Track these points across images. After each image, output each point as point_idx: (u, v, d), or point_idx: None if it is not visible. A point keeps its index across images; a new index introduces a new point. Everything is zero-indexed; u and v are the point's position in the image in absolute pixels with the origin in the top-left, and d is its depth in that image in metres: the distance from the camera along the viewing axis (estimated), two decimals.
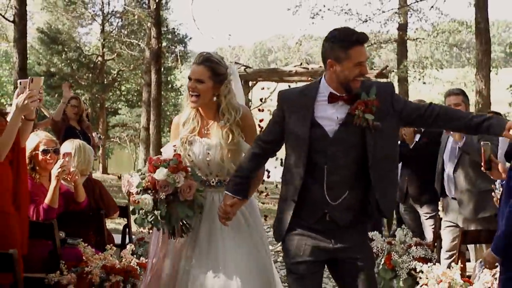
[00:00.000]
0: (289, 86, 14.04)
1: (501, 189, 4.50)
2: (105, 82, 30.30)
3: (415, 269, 5.07)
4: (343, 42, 3.47)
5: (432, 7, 21.48)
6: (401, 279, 5.49)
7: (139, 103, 30.02)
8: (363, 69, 3.52)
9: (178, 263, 4.12)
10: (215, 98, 4.15)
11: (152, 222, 3.86)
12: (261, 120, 12.80)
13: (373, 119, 3.49)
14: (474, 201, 5.54)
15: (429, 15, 23.96)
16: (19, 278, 3.76)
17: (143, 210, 3.82)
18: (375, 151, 3.56)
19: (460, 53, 33.40)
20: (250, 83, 13.46)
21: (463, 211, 5.67)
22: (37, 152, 4.88)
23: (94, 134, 8.68)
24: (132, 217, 4.16)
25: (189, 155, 4.12)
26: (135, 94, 32.13)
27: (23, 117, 4.19)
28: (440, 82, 28.73)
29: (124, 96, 32.89)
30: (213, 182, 4.15)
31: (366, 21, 23.93)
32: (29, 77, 4.20)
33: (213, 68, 4.05)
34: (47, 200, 4.77)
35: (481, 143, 4.32)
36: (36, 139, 4.91)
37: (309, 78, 13.35)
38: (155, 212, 3.81)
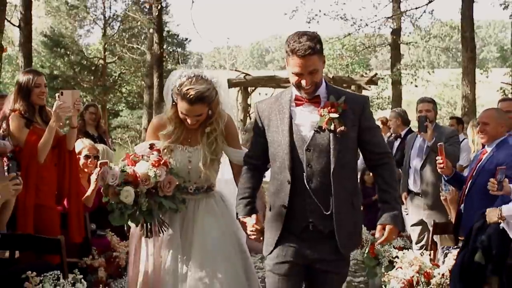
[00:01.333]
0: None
1: (450, 188, 5.41)
2: (106, 85, 31.03)
3: (396, 257, 5.48)
4: (287, 48, 3.48)
5: (424, 11, 22.09)
6: (383, 266, 6.04)
7: (139, 105, 30.78)
8: (300, 79, 3.46)
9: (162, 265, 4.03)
10: None
11: (131, 216, 3.80)
12: None
13: (339, 122, 3.49)
14: (438, 192, 6.11)
15: (422, 20, 24.53)
16: (65, 260, 4.59)
17: (121, 204, 3.74)
18: (338, 156, 3.52)
19: (457, 54, 34.47)
20: (249, 89, 14.33)
21: (427, 201, 6.49)
22: (79, 156, 5.71)
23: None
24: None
25: (169, 162, 4.00)
26: (136, 96, 32.81)
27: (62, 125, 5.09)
28: (433, 84, 29.55)
29: (124, 98, 33.57)
30: (191, 189, 4.09)
31: (361, 26, 24.57)
32: (60, 91, 5.04)
33: (208, 102, 3.94)
34: (83, 199, 5.55)
35: (438, 144, 5.40)
36: (81, 145, 5.76)
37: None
38: (137, 205, 3.76)
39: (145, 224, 3.91)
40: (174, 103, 3.98)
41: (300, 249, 3.62)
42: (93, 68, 31.13)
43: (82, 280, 4.19)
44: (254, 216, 3.72)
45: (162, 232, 3.97)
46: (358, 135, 3.59)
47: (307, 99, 3.54)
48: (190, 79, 3.87)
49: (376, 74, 15.13)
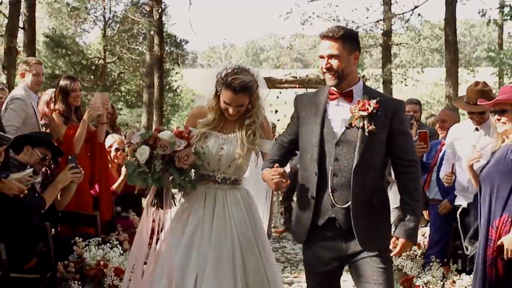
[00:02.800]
0: (280, 92, 16.02)
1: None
2: (106, 84, 31.89)
3: None
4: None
5: (411, 15, 23.03)
6: None
7: (138, 103, 31.67)
8: (323, 63, 3.65)
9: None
10: None
11: (140, 175, 3.89)
12: None
13: (368, 121, 3.57)
14: None
15: (412, 21, 25.44)
16: (99, 231, 5.62)
17: (136, 162, 3.86)
18: (363, 154, 3.59)
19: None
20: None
21: None
22: (110, 149, 6.75)
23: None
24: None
25: (202, 147, 4.11)
26: (135, 95, 33.66)
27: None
28: (423, 83, 30.49)
29: (123, 97, 34.40)
30: (218, 178, 4.15)
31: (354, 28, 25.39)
32: (92, 93, 6.14)
33: (250, 92, 4.07)
34: (114, 186, 6.60)
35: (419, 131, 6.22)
36: (111, 140, 6.81)
37: (298, 86, 15.29)
38: (151, 166, 3.85)
39: (155, 193, 4.02)
40: (217, 93, 4.12)
41: (332, 252, 3.72)
42: (93, 68, 31.98)
43: (118, 245, 5.25)
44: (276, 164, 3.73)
45: (174, 204, 4.08)
46: (388, 138, 3.67)
47: (340, 93, 3.69)
48: (235, 70, 4.03)
49: (364, 76, 16.15)
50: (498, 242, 4.39)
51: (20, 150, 5.20)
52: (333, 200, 3.64)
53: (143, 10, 28.22)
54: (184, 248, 4.02)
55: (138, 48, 29.76)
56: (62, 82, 6.13)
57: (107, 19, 31.91)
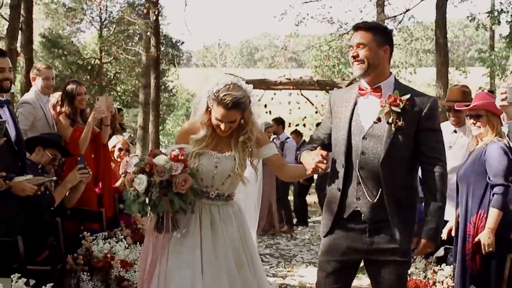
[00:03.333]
0: (274, 93, 16.41)
1: None
2: (102, 84, 32.18)
3: None
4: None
5: (402, 19, 23.43)
6: None
7: (134, 103, 31.97)
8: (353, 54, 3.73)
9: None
10: None
11: (140, 205, 3.81)
12: None
13: (398, 116, 3.62)
14: None
15: (405, 23, 25.80)
16: (104, 229, 5.98)
17: (135, 192, 3.78)
18: (390, 149, 3.64)
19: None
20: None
21: None
22: (114, 149, 7.12)
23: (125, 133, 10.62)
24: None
25: (195, 164, 4.03)
26: (130, 95, 33.95)
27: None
28: (416, 84, 30.93)
29: (119, 97, 34.69)
30: (212, 195, 4.09)
31: (346, 30, 25.73)
32: (96, 97, 6.52)
33: (242, 109, 3.98)
34: (117, 184, 6.94)
35: None
36: (115, 140, 7.19)
37: (292, 87, 15.68)
38: (148, 194, 3.75)
39: (157, 218, 3.92)
40: (208, 109, 4.04)
41: (353, 243, 3.75)
42: (89, 68, 32.26)
43: (123, 239, 5.63)
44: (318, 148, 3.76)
45: (176, 227, 3.95)
46: (416, 135, 3.68)
47: (369, 88, 3.76)
48: (227, 86, 3.93)
49: (355, 78, 16.52)
50: (476, 239, 4.78)
51: (32, 150, 5.58)
52: (358, 193, 3.70)
53: (139, 11, 28.61)
54: (191, 275, 3.88)
55: (134, 49, 29.97)
56: (68, 87, 6.50)
57: (103, 20, 32.17)
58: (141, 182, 3.74)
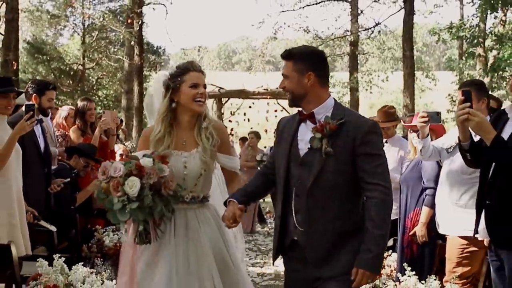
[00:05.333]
0: (253, 103, 17.62)
1: None
2: (85, 89, 33.01)
3: None
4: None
5: (372, 31, 24.74)
6: None
7: (116, 108, 32.87)
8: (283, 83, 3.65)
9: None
10: None
11: (132, 212, 3.48)
12: (232, 129, 16.32)
13: (326, 142, 3.47)
14: None
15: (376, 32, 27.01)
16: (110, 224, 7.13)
17: (124, 197, 3.46)
18: (320, 176, 3.49)
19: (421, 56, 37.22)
20: (223, 100, 17.04)
21: None
22: (116, 154, 8.31)
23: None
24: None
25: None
26: (112, 100, 34.79)
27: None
28: (388, 91, 32.17)
29: (101, 102, 35.51)
30: (186, 198, 3.90)
31: (322, 39, 26.84)
32: (103, 110, 7.75)
33: (204, 76, 4.01)
34: (89, 188, 7.92)
35: None
36: (117, 147, 8.38)
37: (269, 97, 16.92)
38: (140, 198, 3.47)
39: (141, 228, 3.66)
40: (169, 94, 3.93)
41: (298, 274, 3.68)
42: (71, 73, 33.10)
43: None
44: (241, 206, 3.67)
45: (157, 238, 3.75)
46: (353, 160, 3.49)
47: (305, 115, 3.63)
48: (185, 62, 4.04)
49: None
50: (412, 232, 6.01)
51: (70, 157, 6.93)
52: (295, 221, 3.58)
53: (120, 18, 29.62)
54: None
55: (116, 56, 30.87)
56: (80, 103, 7.72)
57: (86, 26, 33.00)
58: (133, 185, 3.47)
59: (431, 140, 5.59)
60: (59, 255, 4.94)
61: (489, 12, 18.63)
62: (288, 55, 3.67)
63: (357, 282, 3.44)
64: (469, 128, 4.10)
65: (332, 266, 3.54)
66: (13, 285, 4.57)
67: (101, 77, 33.97)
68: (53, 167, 6.57)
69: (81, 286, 4.66)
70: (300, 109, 3.71)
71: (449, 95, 28.35)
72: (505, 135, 4.08)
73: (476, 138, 4.24)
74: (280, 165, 3.71)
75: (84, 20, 32.74)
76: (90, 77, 34.14)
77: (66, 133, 7.72)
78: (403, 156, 6.88)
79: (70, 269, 4.94)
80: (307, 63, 3.62)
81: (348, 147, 3.50)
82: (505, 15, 20.31)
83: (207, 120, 4.01)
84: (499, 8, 18.33)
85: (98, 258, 6.31)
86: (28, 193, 5.56)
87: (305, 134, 3.64)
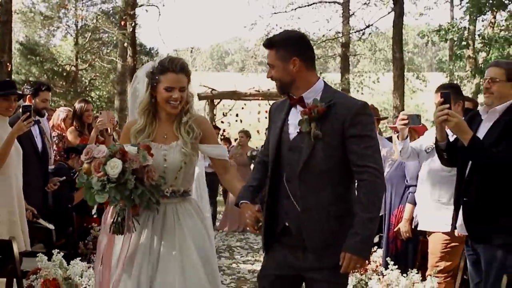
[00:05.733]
0: (245, 104, 17.85)
1: None
2: (78, 90, 33.13)
3: None
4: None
5: (363, 33, 25.02)
6: None
7: (109, 109, 32.99)
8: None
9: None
10: None
11: (111, 191, 3.41)
12: (224, 130, 16.53)
13: (315, 125, 3.38)
14: None
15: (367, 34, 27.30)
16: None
17: (104, 177, 3.41)
18: (309, 161, 3.41)
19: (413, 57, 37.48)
20: (215, 102, 17.26)
21: None
22: None
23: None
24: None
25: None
26: (105, 100, 34.92)
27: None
28: (379, 92, 32.50)
29: (94, 103, 35.64)
30: (167, 192, 3.83)
31: (314, 41, 27.09)
32: (99, 111, 7.99)
33: (188, 74, 3.91)
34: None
35: None
36: None
37: (261, 99, 17.15)
38: (122, 181, 3.42)
39: (117, 218, 3.63)
40: (149, 89, 3.87)
41: (286, 258, 3.55)
42: (64, 74, 33.23)
43: None
44: (257, 205, 3.65)
45: (134, 229, 3.67)
46: (343, 143, 3.41)
47: (295, 99, 3.56)
48: (168, 56, 3.91)
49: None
50: (396, 228, 6.25)
51: (69, 157, 7.21)
52: (287, 207, 3.52)
53: (113, 19, 29.77)
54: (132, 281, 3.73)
55: (109, 57, 31.01)
56: (77, 105, 7.95)
57: (79, 28, 33.13)
58: (115, 165, 3.42)
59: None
60: (58, 250, 5.14)
61: (475, 15, 18.95)
62: (269, 43, 3.60)
63: (345, 267, 3.33)
64: (446, 129, 4.38)
65: (328, 254, 3.41)
66: (14, 280, 4.72)
67: (94, 78, 34.06)
68: (50, 167, 6.79)
69: (79, 279, 4.87)
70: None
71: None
72: (479, 135, 4.34)
73: (452, 139, 4.49)
74: (271, 149, 3.65)
75: (77, 22, 32.88)
76: (83, 78, 34.18)
77: (63, 134, 7.92)
78: (385, 155, 7.08)
79: (68, 264, 5.16)
80: (290, 48, 3.54)
81: (337, 130, 3.41)
82: (494, 17, 20.66)
83: (188, 114, 3.95)
84: (487, 11, 18.65)
85: (94, 255, 6.53)
86: (27, 192, 5.76)
87: (295, 118, 3.56)
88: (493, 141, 4.26)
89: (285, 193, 3.54)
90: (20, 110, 5.57)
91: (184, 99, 3.89)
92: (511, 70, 4.42)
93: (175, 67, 3.81)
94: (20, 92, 6.09)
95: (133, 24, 23.17)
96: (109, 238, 3.85)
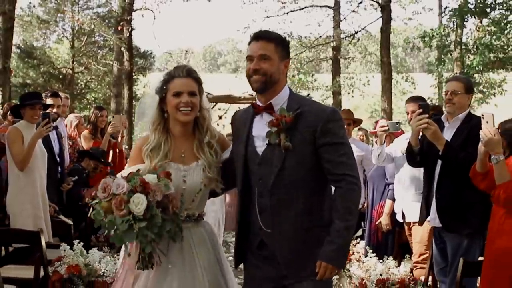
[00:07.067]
0: (239, 107, 18.49)
1: None
2: (74, 93, 33.62)
3: None
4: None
5: (353, 37, 25.72)
6: None
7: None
8: (249, 67, 3.40)
9: None
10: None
11: (141, 232, 3.15)
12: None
13: (285, 136, 3.27)
14: None
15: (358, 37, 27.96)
16: None
17: (129, 216, 3.13)
18: (281, 173, 3.30)
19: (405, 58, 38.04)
20: (211, 105, 18.00)
21: None
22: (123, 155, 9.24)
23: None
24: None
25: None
26: (101, 103, 35.36)
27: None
28: (369, 94, 33.12)
29: (90, 105, 36.07)
30: (181, 217, 3.47)
31: (305, 45, 27.69)
32: (112, 115, 8.75)
33: (198, 80, 3.66)
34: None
35: None
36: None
37: (254, 102, 17.83)
38: (148, 217, 3.15)
39: (148, 250, 3.27)
40: (160, 106, 3.66)
41: (266, 274, 3.45)
42: (61, 77, 33.74)
43: None
44: None
45: (160, 261, 3.41)
46: (315, 152, 3.32)
47: (262, 107, 3.40)
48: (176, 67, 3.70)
49: (308, 94, 18.69)
50: (377, 222, 6.98)
51: (82, 159, 7.88)
52: (261, 222, 3.40)
53: (109, 23, 30.31)
54: None
55: (105, 61, 31.53)
56: (93, 112, 8.83)
57: (75, 31, 33.62)
58: (139, 202, 3.14)
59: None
60: (78, 241, 5.84)
61: (458, 22, 19.68)
62: (268, 36, 3.45)
63: (320, 275, 3.29)
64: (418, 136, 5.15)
65: (305, 265, 3.34)
66: (41, 267, 5.38)
67: (90, 81, 34.56)
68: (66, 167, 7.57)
69: (98, 265, 5.57)
70: (256, 101, 3.53)
71: (428, 98, 29.09)
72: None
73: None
74: (238, 165, 3.53)
75: (74, 25, 33.34)
76: (79, 81, 34.64)
77: (75, 140, 8.68)
78: (361, 155, 7.59)
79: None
80: (286, 50, 3.49)
81: (308, 140, 3.32)
82: (480, 21, 21.36)
83: (209, 133, 3.69)
84: (470, 18, 19.40)
85: (105, 247, 7.22)
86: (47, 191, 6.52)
87: (261, 130, 3.43)
88: (459, 145, 5.05)
89: (258, 208, 3.43)
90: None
91: (197, 106, 3.60)
92: (469, 84, 5.27)
93: (181, 72, 3.62)
94: (45, 103, 6.81)
95: (129, 29, 23.72)
96: (136, 276, 3.53)
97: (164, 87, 3.63)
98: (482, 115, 4.57)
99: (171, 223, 3.27)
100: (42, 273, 5.40)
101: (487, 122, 4.44)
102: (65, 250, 5.63)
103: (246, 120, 3.52)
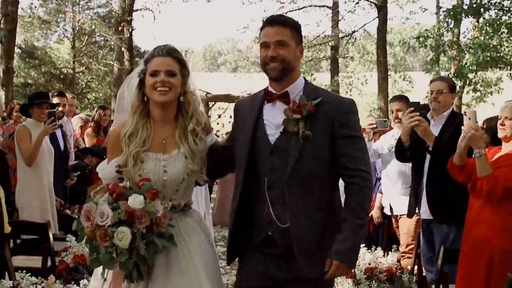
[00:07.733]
0: None
1: None
2: (75, 92, 33.86)
3: None
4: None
5: (354, 32, 26.02)
6: None
7: None
8: (266, 53, 3.20)
9: None
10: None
11: (122, 265, 3.03)
12: (218, 131, 17.53)
13: (304, 125, 3.10)
14: None
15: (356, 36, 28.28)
16: None
17: (112, 248, 2.98)
18: (298, 164, 3.11)
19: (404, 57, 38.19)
20: (210, 104, 18.28)
21: None
22: None
23: None
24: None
25: (140, 175, 3.26)
26: (102, 103, 35.60)
27: None
28: (366, 94, 33.39)
29: (91, 105, 36.32)
30: (166, 208, 3.24)
31: (305, 44, 27.89)
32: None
33: (180, 60, 3.40)
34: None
35: None
36: None
37: (266, 88, 18.09)
38: (132, 248, 2.99)
39: (133, 273, 3.13)
40: (139, 86, 3.38)
41: (268, 269, 3.28)
42: (62, 76, 34.00)
43: None
44: None
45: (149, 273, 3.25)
46: (333, 144, 3.17)
47: (277, 94, 3.22)
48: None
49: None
50: (369, 214, 7.29)
51: (85, 156, 8.26)
52: (272, 216, 3.19)
53: (109, 23, 30.57)
54: None
55: (105, 61, 31.79)
56: (97, 111, 9.26)
57: (76, 32, 33.89)
58: (124, 236, 2.96)
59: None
60: None
61: (453, 21, 19.94)
62: (283, 20, 3.27)
63: (331, 275, 3.12)
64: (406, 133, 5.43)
65: (317, 263, 3.16)
66: (48, 257, 5.70)
67: (91, 81, 34.83)
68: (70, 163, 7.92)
69: None
70: (267, 87, 3.35)
71: (426, 96, 29.25)
72: None
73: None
74: (241, 154, 3.32)
75: (75, 26, 33.60)
76: (80, 81, 34.89)
77: (76, 139, 9.03)
78: None
79: None
80: (299, 34, 3.32)
81: (327, 130, 3.18)
82: (477, 21, 21.59)
83: (194, 120, 3.40)
84: (464, 18, 19.66)
85: None
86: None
87: (274, 117, 3.25)
88: (446, 141, 5.36)
89: (265, 200, 3.23)
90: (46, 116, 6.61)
91: (176, 88, 3.33)
92: (453, 84, 5.62)
93: (161, 51, 3.36)
94: (50, 101, 7.14)
95: (130, 30, 23.99)
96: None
97: (144, 68, 3.39)
98: (465, 112, 4.87)
99: (160, 240, 3.09)
100: (49, 263, 5.70)
101: (469, 118, 4.69)
102: (71, 241, 5.92)
103: (254, 107, 3.32)
